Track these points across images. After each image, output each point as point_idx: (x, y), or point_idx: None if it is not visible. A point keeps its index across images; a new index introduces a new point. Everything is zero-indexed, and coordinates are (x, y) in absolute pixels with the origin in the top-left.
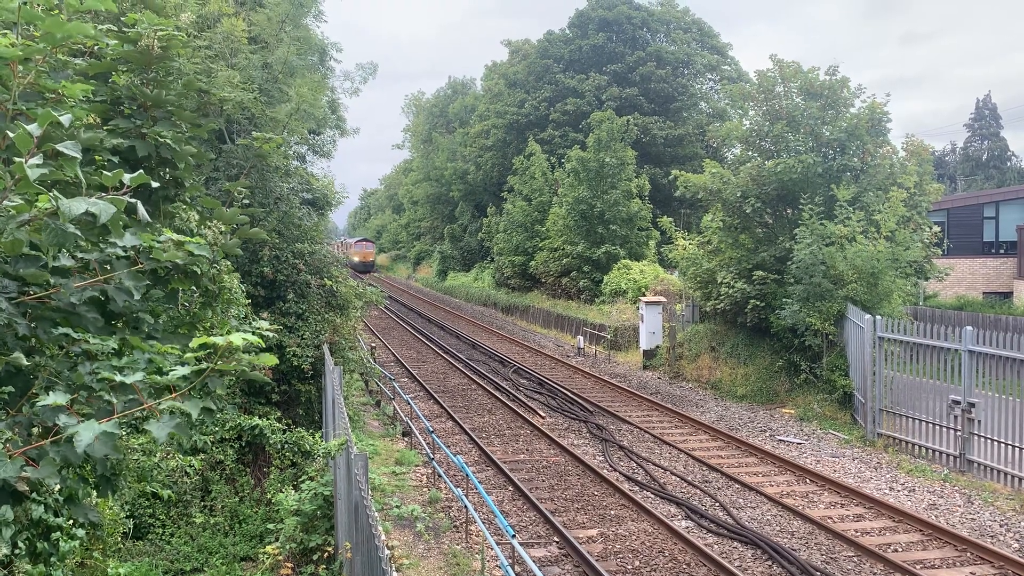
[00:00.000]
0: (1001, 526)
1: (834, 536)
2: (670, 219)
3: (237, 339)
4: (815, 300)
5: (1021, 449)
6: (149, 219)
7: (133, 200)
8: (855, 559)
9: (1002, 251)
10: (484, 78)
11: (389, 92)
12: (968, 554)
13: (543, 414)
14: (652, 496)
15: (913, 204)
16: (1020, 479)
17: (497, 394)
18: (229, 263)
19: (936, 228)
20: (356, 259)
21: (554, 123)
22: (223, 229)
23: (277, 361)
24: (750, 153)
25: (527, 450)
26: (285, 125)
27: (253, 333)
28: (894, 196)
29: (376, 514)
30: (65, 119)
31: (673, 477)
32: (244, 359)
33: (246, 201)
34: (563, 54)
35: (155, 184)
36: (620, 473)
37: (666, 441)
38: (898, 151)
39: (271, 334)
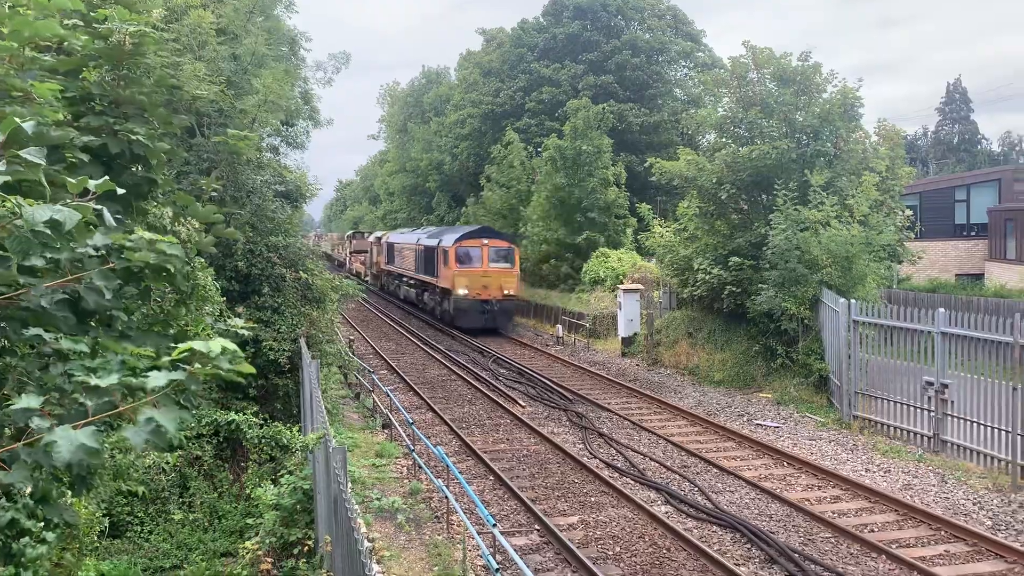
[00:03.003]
0: (974, 504)
1: (811, 518)
2: (649, 206)
3: (216, 347)
4: (790, 285)
5: (992, 428)
6: (115, 224)
7: (99, 207)
8: (832, 540)
9: (973, 233)
10: (458, 67)
11: (366, 83)
12: (942, 532)
13: (523, 403)
14: (632, 482)
15: (885, 188)
16: (992, 458)
17: (477, 384)
18: (203, 259)
19: (908, 212)
20: (463, 292)
21: (530, 112)
22: (197, 226)
23: (255, 371)
24: (724, 140)
25: (507, 439)
26: (255, 117)
27: (228, 330)
28: (866, 180)
29: (356, 507)
30: (28, 126)
31: (652, 463)
32: (224, 366)
33: (216, 194)
34: (538, 43)
35: (121, 190)
36: (600, 460)
37: (645, 427)
38: (871, 136)
39: (246, 332)
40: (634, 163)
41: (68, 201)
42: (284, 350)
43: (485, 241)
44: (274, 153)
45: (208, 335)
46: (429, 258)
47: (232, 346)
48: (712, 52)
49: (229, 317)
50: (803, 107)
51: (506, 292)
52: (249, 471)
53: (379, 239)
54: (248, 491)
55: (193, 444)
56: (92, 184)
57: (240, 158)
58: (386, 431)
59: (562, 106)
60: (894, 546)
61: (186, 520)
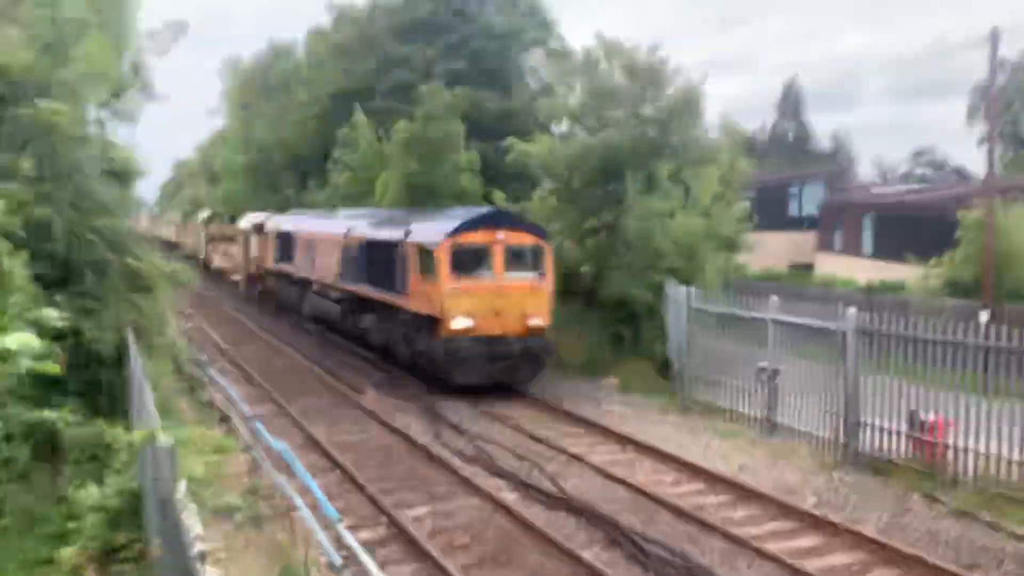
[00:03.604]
0: (801, 483)
1: (653, 500)
2: (503, 193)
3: (13, 342)
4: (637, 272)
5: (819, 411)
6: None
7: None
8: (672, 521)
9: (805, 226)
10: (307, 44)
11: (208, 57)
12: (772, 510)
13: (372, 394)
14: (482, 471)
15: (727, 181)
16: (818, 438)
17: (325, 375)
18: (10, 243)
19: (746, 204)
20: (462, 324)
21: (382, 94)
22: (2, 207)
23: (59, 370)
24: (576, 129)
25: (355, 431)
26: (76, 90)
27: (39, 321)
28: (710, 173)
29: (188, 507)
30: None
31: (502, 451)
32: (24, 364)
33: (30, 173)
34: (391, 23)
35: None
36: (450, 450)
37: (496, 416)
38: (713, 130)
39: (61, 323)
40: (488, 150)
41: None
42: (109, 341)
43: (500, 235)
44: (100, 128)
45: (17, 326)
46: (383, 261)
47: (35, 342)
48: (566, 41)
49: (42, 308)
50: (650, 99)
51: (534, 322)
52: (68, 472)
53: (260, 227)
54: (69, 493)
55: (3, 445)
56: None
57: (58, 133)
58: (224, 425)
59: (415, 89)
60: (728, 525)
61: None
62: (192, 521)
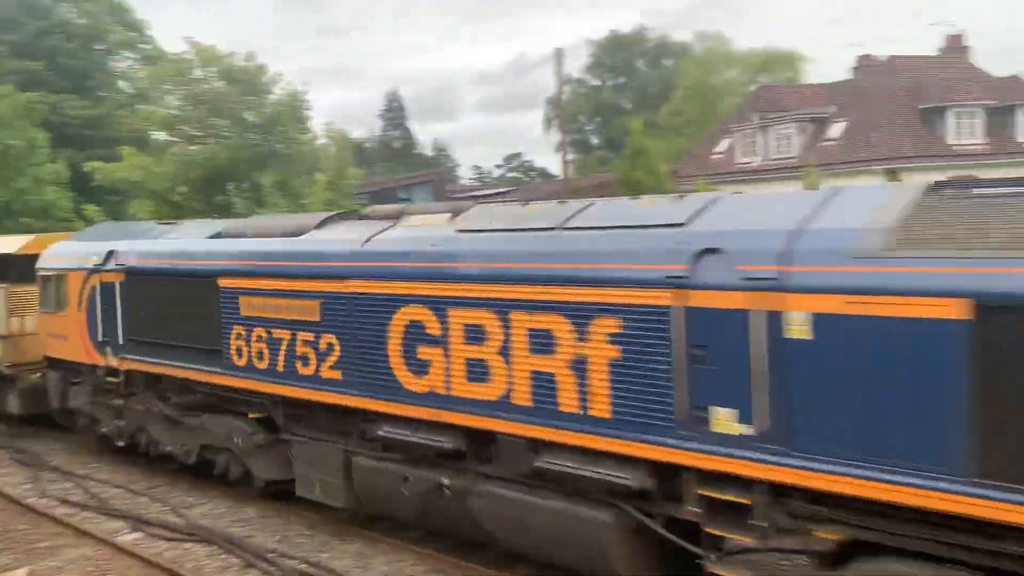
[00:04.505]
0: None
1: (286, 514)
2: (97, 207)
3: None
4: None
5: None
6: None
7: None
8: (307, 533)
9: None
10: None
11: None
12: None
13: None
14: (93, 515)
15: (337, 187)
16: None
17: None
18: None
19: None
20: None
21: None
22: None
23: None
24: (175, 139)
25: None
26: None
27: None
28: (318, 180)
29: None
30: None
31: (116, 490)
32: None
33: None
34: None
35: None
36: (53, 498)
37: (107, 453)
38: (320, 137)
39: None
40: (79, 160)
41: None
42: None
43: None
44: None
45: None
46: None
47: None
48: (157, 44)
49: None
50: (253, 107)
51: None
52: None
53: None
54: None
55: None
56: None
57: None
58: None
59: None
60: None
61: None
62: None
